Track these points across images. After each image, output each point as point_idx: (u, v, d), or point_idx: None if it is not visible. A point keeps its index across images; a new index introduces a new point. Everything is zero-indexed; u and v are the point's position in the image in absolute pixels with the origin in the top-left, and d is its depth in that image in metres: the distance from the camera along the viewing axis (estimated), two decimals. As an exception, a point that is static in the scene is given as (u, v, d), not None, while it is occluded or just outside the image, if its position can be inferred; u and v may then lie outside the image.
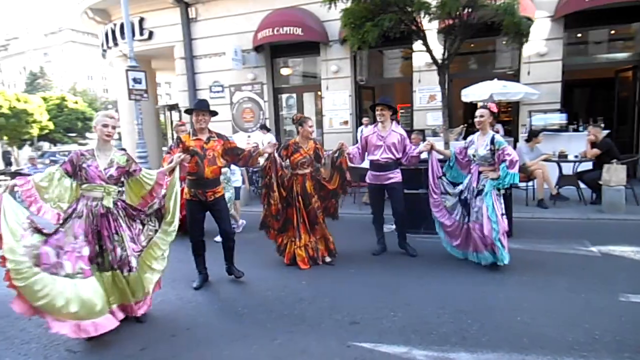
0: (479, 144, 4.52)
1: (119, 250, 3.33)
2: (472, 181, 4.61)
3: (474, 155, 4.54)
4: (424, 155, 5.00)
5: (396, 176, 5.01)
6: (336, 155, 4.94)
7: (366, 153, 5.11)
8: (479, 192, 4.50)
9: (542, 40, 9.48)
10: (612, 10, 8.97)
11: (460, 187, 4.77)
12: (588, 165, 7.61)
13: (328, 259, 4.95)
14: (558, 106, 9.64)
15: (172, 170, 3.79)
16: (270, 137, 10.26)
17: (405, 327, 3.27)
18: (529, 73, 9.74)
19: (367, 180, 5.19)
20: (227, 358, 2.99)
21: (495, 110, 4.58)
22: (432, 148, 4.86)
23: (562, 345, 2.91)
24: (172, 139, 16.10)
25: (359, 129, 10.92)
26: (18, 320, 3.71)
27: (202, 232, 4.39)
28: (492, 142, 4.39)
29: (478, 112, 4.52)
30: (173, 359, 3.00)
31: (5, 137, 26.00)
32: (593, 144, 7.40)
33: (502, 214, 4.36)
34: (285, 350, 3.04)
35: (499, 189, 4.39)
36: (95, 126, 3.42)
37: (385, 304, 3.72)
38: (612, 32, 10.33)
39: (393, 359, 2.84)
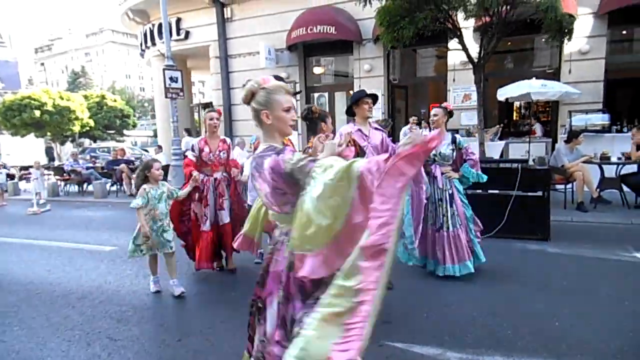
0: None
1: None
2: (438, 183, 4.37)
3: (435, 155, 4.36)
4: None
5: None
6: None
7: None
8: (450, 196, 4.33)
9: (584, 38, 9.17)
10: (660, 6, 8.58)
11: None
12: (632, 168, 7.29)
13: None
14: (600, 106, 9.30)
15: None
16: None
17: (438, 329, 3.23)
18: (569, 72, 9.43)
19: None
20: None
21: (450, 108, 4.48)
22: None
23: (604, 353, 2.81)
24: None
25: (403, 129, 10.84)
26: (62, 307, 3.89)
27: None
28: (454, 141, 4.37)
29: (433, 112, 4.43)
30: (208, 350, 3.08)
31: (49, 133, 27.17)
32: (638, 146, 7.09)
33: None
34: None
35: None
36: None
37: (418, 305, 3.69)
38: (659, 29, 9.88)
39: (426, 359, 2.81)
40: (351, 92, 11.78)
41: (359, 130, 4.13)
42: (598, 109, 9.25)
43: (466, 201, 4.41)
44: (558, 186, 7.45)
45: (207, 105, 16.26)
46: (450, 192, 4.36)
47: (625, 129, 9.11)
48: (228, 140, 4.94)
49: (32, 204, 9.75)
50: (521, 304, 3.68)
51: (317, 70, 12.80)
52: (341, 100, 13.11)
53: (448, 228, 4.29)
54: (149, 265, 4.27)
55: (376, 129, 4.26)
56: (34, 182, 10.44)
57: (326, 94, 13.16)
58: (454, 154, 4.41)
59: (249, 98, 1.89)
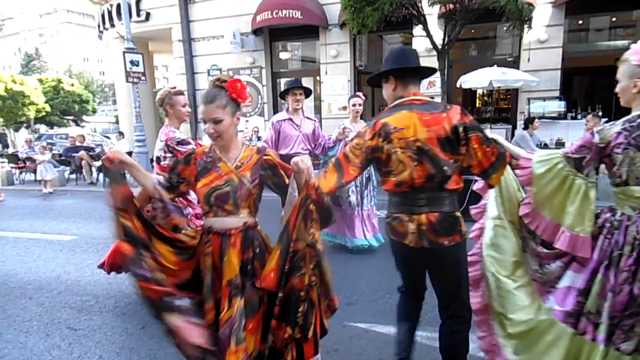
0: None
1: None
2: None
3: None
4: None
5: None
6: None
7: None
8: (367, 178, 4.81)
9: (542, 27, 9.44)
10: (614, -4, 8.94)
11: None
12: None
13: None
14: (557, 94, 9.64)
15: None
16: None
17: (401, 309, 3.32)
18: (528, 60, 9.71)
19: None
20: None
21: (364, 99, 4.96)
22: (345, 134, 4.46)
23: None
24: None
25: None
26: (19, 299, 3.77)
27: None
28: None
29: (355, 101, 4.78)
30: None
31: (1, 119, 25.81)
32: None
33: None
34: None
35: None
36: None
37: (380, 286, 3.78)
38: (614, 19, 10.29)
39: (388, 338, 2.90)
40: (318, 77, 11.77)
41: (290, 119, 4.28)
42: (555, 96, 9.60)
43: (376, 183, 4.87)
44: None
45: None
46: (367, 175, 4.77)
47: (579, 116, 9.51)
48: None
49: (-16, 193, 9.30)
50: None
51: (284, 55, 12.66)
52: (309, 86, 13.02)
53: (366, 207, 4.84)
54: None
55: (308, 118, 4.41)
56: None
57: (292, 79, 13.07)
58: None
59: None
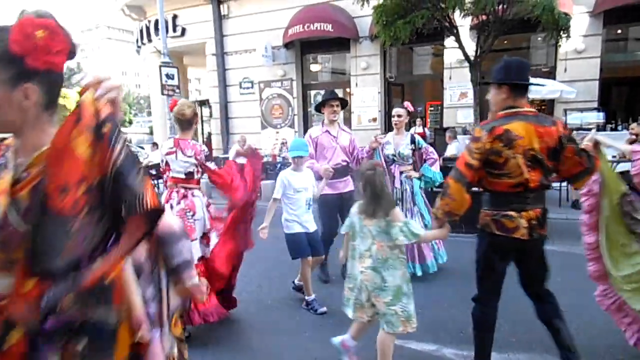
0: (399, 143, 4.42)
1: None
2: (396, 183, 4.39)
3: (394, 156, 4.40)
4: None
5: (351, 183, 4.33)
6: None
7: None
8: (411, 195, 4.40)
9: (579, 37, 9.20)
10: (655, 5, 8.63)
11: None
12: (627, 166, 7.33)
13: None
14: (595, 104, 9.36)
15: None
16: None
17: (434, 326, 3.26)
18: (565, 70, 9.48)
19: None
20: (257, 347, 3.06)
21: (411, 109, 4.59)
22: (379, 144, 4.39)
23: (597, 348, 2.85)
24: (203, 134, 16.43)
25: (411, 129, 10.87)
26: None
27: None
28: (413, 141, 4.41)
29: (397, 112, 4.46)
30: (205, 349, 3.09)
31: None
32: (632, 141, 7.14)
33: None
34: (314, 342, 3.09)
35: (420, 188, 4.44)
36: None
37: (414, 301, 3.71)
38: (654, 28, 9.94)
39: (422, 356, 2.85)
40: (348, 89, 11.83)
41: (327, 131, 4.20)
42: (593, 107, 9.31)
43: (425, 204, 4.43)
44: (553, 184, 7.49)
45: (204, 103, 16.24)
46: (410, 191, 4.38)
47: (619, 127, 9.18)
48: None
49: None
50: (516, 301, 3.69)
51: (314, 67, 12.80)
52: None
53: None
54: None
55: (344, 130, 4.33)
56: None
57: (323, 92, 13.17)
58: (414, 154, 4.46)
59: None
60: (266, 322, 3.48)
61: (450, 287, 4.07)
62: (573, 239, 5.46)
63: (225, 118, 12.99)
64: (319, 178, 3.79)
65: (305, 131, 12.59)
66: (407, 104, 4.62)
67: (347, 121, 11.74)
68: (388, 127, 11.84)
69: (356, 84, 11.44)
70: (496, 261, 2.43)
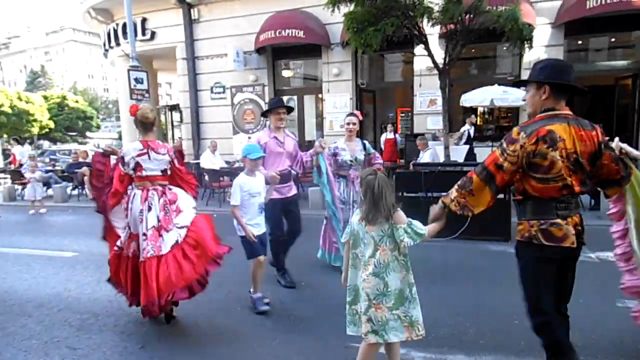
0: (354, 149, 4.71)
1: None
2: (354, 187, 4.62)
3: (352, 161, 4.67)
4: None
5: (294, 187, 4.54)
6: None
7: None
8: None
9: (542, 47, 9.55)
10: (613, 18, 9.05)
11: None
12: None
13: None
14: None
15: None
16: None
17: (403, 329, 3.28)
18: (529, 79, 9.78)
19: None
20: (226, 356, 3.00)
21: (361, 118, 4.92)
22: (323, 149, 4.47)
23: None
24: (173, 139, 16.15)
25: (382, 135, 11.00)
26: (19, 316, 3.73)
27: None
28: (364, 147, 4.78)
29: (351, 120, 4.69)
30: (172, 357, 3.02)
31: (5, 135, 26.00)
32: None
33: None
34: (284, 349, 3.06)
35: None
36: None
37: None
38: (613, 39, 10.41)
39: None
40: (320, 95, 11.88)
41: (275, 137, 4.30)
42: (556, 115, 9.64)
43: None
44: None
45: (174, 108, 15.98)
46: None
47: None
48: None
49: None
50: (483, 303, 3.79)
51: (286, 73, 12.80)
52: (310, 104, 13.15)
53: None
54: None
55: (289, 135, 4.45)
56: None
57: (295, 97, 13.19)
58: (365, 159, 4.78)
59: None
60: (235, 329, 3.43)
61: (419, 290, 4.09)
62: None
63: (197, 123, 12.82)
64: (266, 183, 3.87)
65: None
66: (357, 112, 4.97)
67: (320, 126, 11.80)
68: (361, 133, 11.95)
69: (328, 90, 11.51)
70: (550, 272, 2.25)
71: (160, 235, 3.26)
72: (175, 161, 3.58)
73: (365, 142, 4.90)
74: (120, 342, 3.24)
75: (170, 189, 3.52)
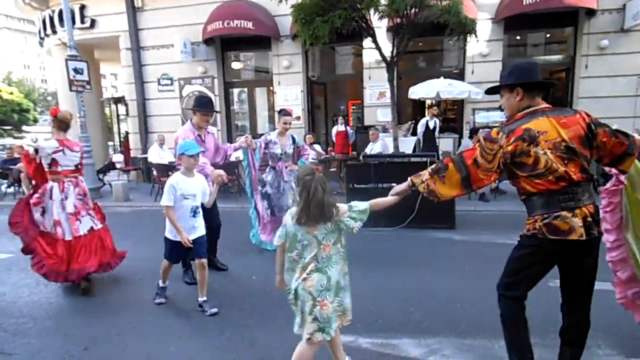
0: (285, 144, 5.21)
1: None
2: (282, 177, 5.19)
3: (282, 154, 5.17)
4: (236, 154, 5.48)
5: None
6: None
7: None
8: (291, 187, 5.12)
9: (484, 42, 9.94)
10: (548, 14, 9.57)
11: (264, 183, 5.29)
12: None
13: None
14: (499, 104, 10.13)
15: None
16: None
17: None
18: (472, 72, 10.19)
19: None
20: (174, 354, 2.96)
21: (294, 115, 5.65)
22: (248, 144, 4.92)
23: (497, 328, 3.10)
24: (119, 133, 15.47)
25: (334, 128, 11.02)
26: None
27: None
28: (294, 141, 5.30)
29: (288, 119, 5.17)
30: (118, 357, 2.94)
31: None
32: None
33: None
34: (233, 343, 3.05)
35: None
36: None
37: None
38: (548, 35, 11.01)
39: (340, 347, 2.92)
40: (271, 88, 11.78)
41: (199, 136, 4.41)
42: (497, 107, 10.09)
43: None
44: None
45: (120, 100, 15.31)
46: (294, 181, 4.91)
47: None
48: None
49: None
50: (428, 288, 3.95)
51: (236, 65, 12.58)
52: (262, 97, 13.03)
53: (281, 213, 5.06)
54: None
55: (209, 132, 4.61)
56: None
57: (246, 90, 13.01)
58: (294, 151, 5.31)
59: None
60: (186, 326, 3.38)
61: (367, 278, 4.21)
62: (479, 229, 5.95)
63: (144, 116, 12.36)
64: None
65: (228, 130, 12.38)
66: (290, 109, 5.54)
67: (272, 119, 11.71)
68: (312, 126, 11.99)
69: (279, 83, 11.44)
70: (537, 263, 2.31)
71: (78, 219, 4.08)
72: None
73: (295, 136, 5.40)
74: (62, 345, 3.11)
75: (82, 181, 4.25)
